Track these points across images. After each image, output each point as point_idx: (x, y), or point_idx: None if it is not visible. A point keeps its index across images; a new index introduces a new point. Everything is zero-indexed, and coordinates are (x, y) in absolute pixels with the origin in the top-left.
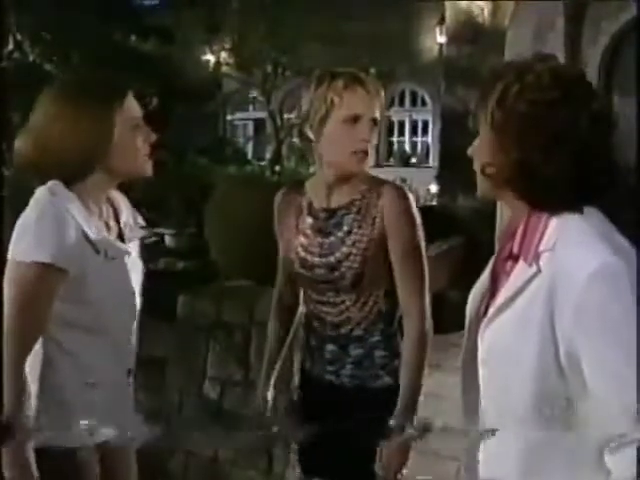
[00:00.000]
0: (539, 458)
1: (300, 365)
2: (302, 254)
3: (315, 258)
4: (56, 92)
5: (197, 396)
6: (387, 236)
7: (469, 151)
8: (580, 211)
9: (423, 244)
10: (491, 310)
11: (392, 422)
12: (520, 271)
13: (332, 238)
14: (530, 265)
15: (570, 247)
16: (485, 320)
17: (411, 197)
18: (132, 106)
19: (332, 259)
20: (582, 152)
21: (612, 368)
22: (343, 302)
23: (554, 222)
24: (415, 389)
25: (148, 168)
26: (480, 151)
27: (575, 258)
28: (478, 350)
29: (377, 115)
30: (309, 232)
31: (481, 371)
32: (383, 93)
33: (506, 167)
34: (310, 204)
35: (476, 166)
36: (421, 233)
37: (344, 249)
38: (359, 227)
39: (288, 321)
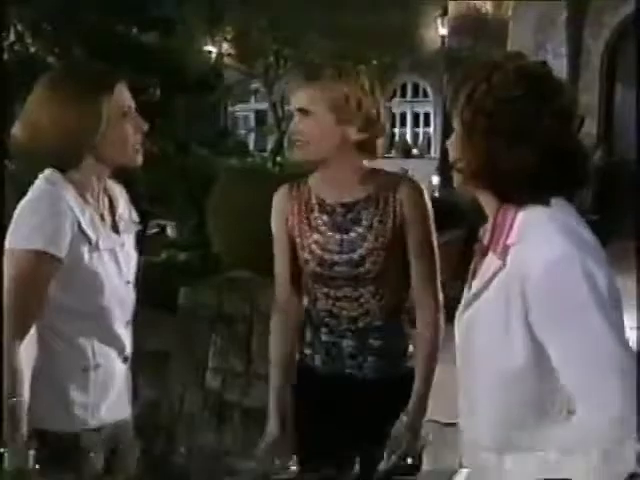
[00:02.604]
0: (514, 436)
1: (306, 365)
2: (319, 252)
3: (335, 256)
4: (47, 81)
5: (199, 387)
6: (405, 230)
7: (447, 144)
8: (547, 203)
9: (435, 239)
10: (463, 302)
11: (404, 419)
12: (488, 264)
13: (352, 234)
14: (498, 258)
15: (530, 241)
16: (459, 311)
17: (425, 191)
18: (122, 95)
19: (355, 256)
20: (547, 147)
21: (572, 357)
22: (362, 296)
23: (520, 216)
24: (428, 384)
25: (138, 158)
26: (452, 147)
27: (533, 252)
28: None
29: (301, 104)
30: (324, 229)
31: (457, 359)
32: (311, 78)
33: (473, 162)
34: (322, 200)
35: (450, 159)
36: (434, 227)
37: (367, 244)
38: (380, 222)
39: (296, 322)
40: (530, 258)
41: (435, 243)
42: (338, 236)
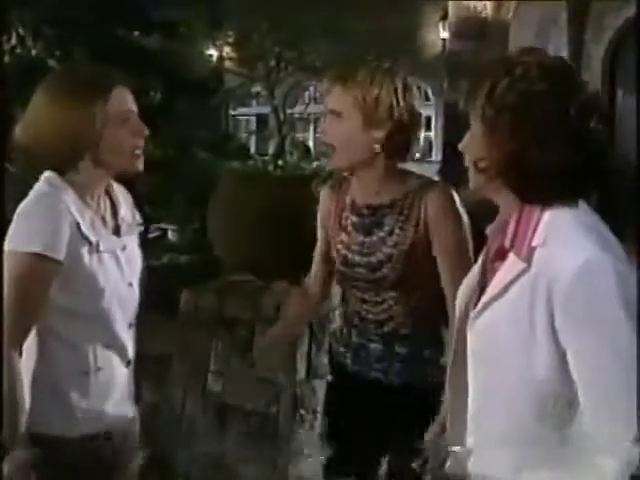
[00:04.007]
0: (529, 450)
1: (338, 361)
2: (343, 252)
3: (356, 257)
4: (47, 82)
5: (200, 391)
6: (431, 238)
7: (460, 146)
8: (574, 203)
9: (469, 245)
10: (481, 302)
11: (434, 428)
12: (510, 266)
13: (374, 237)
14: (523, 260)
15: (557, 243)
16: (474, 313)
17: (456, 197)
18: (122, 99)
19: (374, 259)
20: (573, 142)
21: (595, 364)
22: (385, 301)
23: (546, 217)
24: None
25: (139, 163)
26: (472, 146)
27: (562, 255)
28: (467, 343)
29: (332, 105)
30: (351, 229)
31: (470, 364)
32: (345, 81)
33: (500, 160)
34: (353, 201)
35: (468, 161)
36: (467, 234)
37: (385, 250)
38: (401, 228)
39: (306, 308)
40: (558, 261)
41: (469, 252)
42: (361, 238)
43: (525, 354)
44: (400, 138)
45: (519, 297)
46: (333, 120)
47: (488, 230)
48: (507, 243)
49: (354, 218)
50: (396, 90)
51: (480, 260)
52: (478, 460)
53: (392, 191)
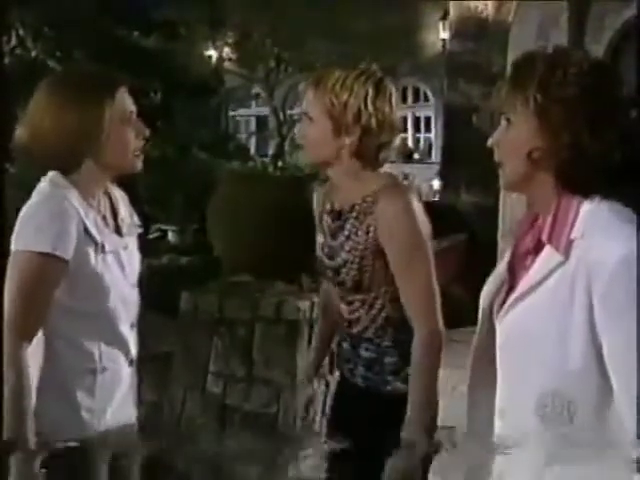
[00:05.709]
0: (559, 444)
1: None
2: (319, 252)
3: (325, 259)
4: (50, 83)
5: (200, 391)
6: (382, 246)
7: (490, 142)
8: (611, 196)
9: (424, 249)
10: (512, 297)
11: (402, 435)
12: (546, 259)
13: (337, 242)
14: (561, 253)
15: (597, 235)
16: (505, 307)
17: (408, 201)
18: (124, 100)
19: (334, 263)
20: (620, 134)
21: (633, 354)
22: (352, 302)
23: (584, 210)
24: (425, 399)
25: (138, 164)
26: (519, 137)
27: (602, 246)
28: (496, 338)
29: (306, 108)
30: (326, 231)
31: (499, 357)
32: (319, 84)
33: (554, 150)
34: (332, 203)
35: (501, 156)
36: (420, 238)
37: (343, 255)
38: (356, 234)
39: (332, 316)
40: (599, 252)
41: (423, 256)
42: (329, 240)
43: (559, 346)
44: (369, 144)
45: (555, 290)
46: (306, 123)
47: (501, 233)
48: (544, 237)
49: (329, 220)
50: (366, 94)
51: (506, 259)
52: (507, 454)
53: (355, 195)
